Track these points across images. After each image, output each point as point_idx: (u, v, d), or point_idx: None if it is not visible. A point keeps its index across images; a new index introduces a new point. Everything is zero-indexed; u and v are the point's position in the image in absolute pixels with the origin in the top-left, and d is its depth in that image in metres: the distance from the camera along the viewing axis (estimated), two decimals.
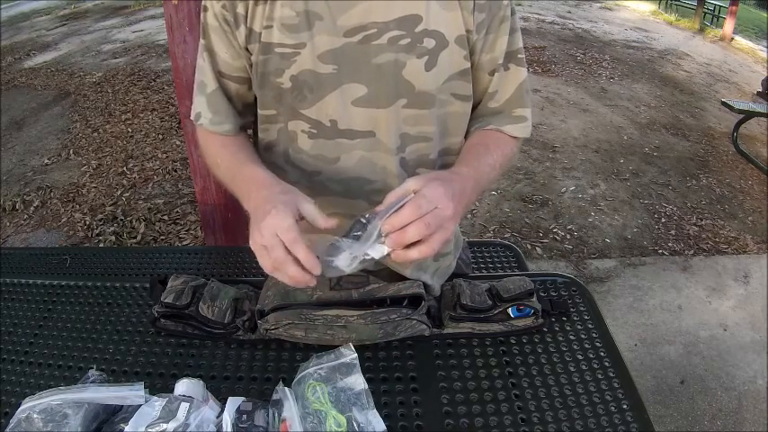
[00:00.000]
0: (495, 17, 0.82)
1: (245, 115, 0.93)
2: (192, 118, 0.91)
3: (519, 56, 0.88)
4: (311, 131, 0.86)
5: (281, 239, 0.65)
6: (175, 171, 3.70)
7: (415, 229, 0.64)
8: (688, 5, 10.39)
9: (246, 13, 0.79)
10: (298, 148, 0.88)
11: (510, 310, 0.94)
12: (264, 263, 0.68)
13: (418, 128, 0.86)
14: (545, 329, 0.95)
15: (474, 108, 0.92)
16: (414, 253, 0.66)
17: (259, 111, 0.89)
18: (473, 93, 0.89)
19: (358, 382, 0.75)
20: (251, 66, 0.84)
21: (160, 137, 4.18)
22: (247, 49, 0.83)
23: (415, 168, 0.90)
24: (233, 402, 0.72)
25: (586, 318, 0.98)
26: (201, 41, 0.85)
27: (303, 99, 0.83)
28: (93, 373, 0.79)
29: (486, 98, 0.90)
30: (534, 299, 0.95)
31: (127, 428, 0.67)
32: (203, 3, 0.83)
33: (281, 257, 0.66)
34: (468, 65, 0.84)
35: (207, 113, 0.89)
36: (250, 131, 0.99)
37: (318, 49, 0.79)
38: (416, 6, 0.78)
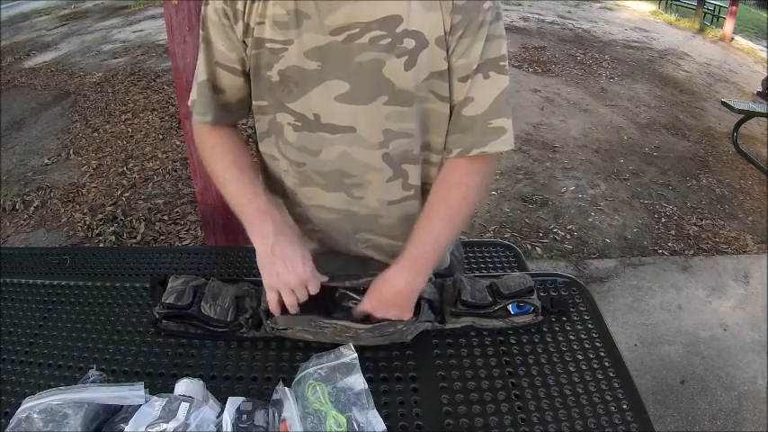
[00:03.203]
0: (473, 21, 0.80)
1: (237, 110, 0.96)
2: (189, 104, 0.96)
3: (501, 63, 0.84)
4: (296, 124, 0.89)
5: (306, 290, 0.89)
6: (175, 171, 3.70)
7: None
8: (688, 5, 10.39)
9: (245, 9, 0.82)
10: (285, 139, 0.92)
11: (510, 307, 0.95)
12: (286, 297, 0.89)
13: (400, 124, 0.87)
14: (545, 329, 0.95)
15: (450, 115, 0.88)
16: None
17: (253, 101, 0.93)
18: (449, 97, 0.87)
19: (358, 381, 0.75)
20: (248, 58, 0.88)
21: (160, 137, 4.18)
22: (244, 42, 0.86)
23: (400, 164, 0.91)
24: (233, 402, 0.73)
25: (586, 317, 0.99)
26: (201, 33, 0.89)
27: (289, 93, 0.86)
28: (93, 373, 0.80)
29: (459, 105, 0.86)
30: (534, 296, 0.95)
31: (127, 428, 0.68)
32: None
33: (293, 303, 0.89)
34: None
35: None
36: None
37: (305, 46, 0.82)
38: (398, 7, 0.79)
